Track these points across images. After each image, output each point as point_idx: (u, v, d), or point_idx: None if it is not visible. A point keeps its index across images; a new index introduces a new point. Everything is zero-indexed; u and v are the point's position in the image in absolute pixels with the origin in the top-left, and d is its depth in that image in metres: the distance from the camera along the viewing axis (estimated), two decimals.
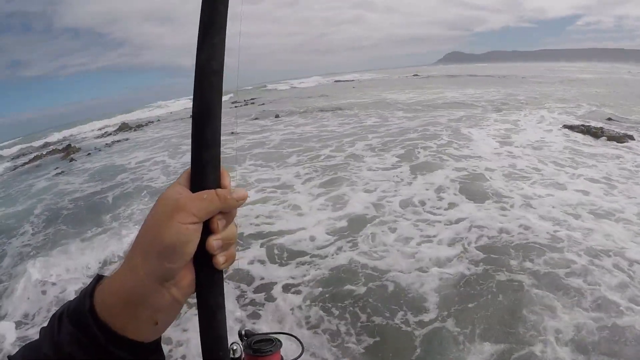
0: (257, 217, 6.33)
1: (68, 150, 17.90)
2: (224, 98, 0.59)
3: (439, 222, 5.70)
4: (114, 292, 0.54)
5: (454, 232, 5.34)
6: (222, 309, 0.60)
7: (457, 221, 5.62)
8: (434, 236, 5.30)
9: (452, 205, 6.22)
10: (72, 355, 0.52)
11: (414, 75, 56.61)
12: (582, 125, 11.17)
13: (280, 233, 5.76)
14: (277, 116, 18.76)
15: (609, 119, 12.50)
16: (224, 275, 0.59)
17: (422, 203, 6.37)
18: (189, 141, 0.57)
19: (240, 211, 0.59)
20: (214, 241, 0.55)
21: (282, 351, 0.86)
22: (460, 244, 5.04)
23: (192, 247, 0.53)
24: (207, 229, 0.55)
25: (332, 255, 5.09)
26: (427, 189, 6.91)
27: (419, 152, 9.31)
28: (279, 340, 0.86)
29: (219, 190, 0.56)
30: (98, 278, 0.57)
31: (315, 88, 44.84)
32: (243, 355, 0.78)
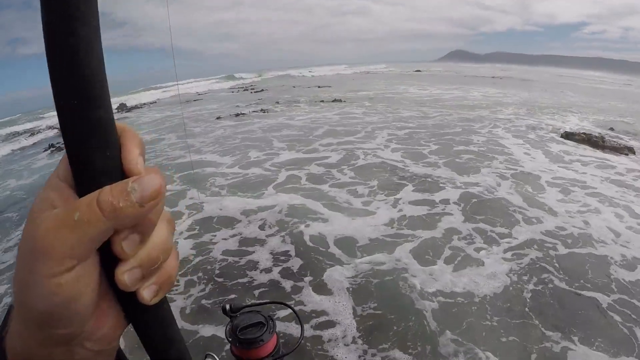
0: None
1: None
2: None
3: None
4: (16, 351, 0.36)
5: None
6: (176, 342, 0.43)
7: None
8: None
9: None
10: None
11: (416, 70, 56.67)
12: None
13: None
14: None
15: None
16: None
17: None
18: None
19: None
20: (124, 274, 0.34)
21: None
22: None
23: (81, 303, 0.33)
24: (111, 255, 0.34)
25: None
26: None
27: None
28: (271, 319, 0.73)
29: (102, 194, 0.31)
30: (9, 312, 0.39)
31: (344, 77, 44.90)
32: None
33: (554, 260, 4.70)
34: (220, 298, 4.13)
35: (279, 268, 4.67)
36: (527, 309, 3.87)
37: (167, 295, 0.39)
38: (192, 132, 13.48)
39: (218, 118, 15.58)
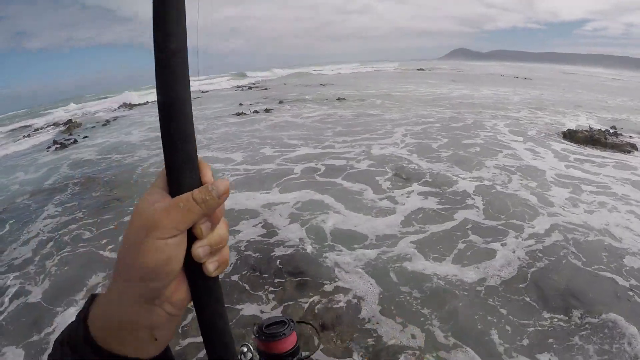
0: None
1: (69, 125, 17.82)
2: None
3: None
4: (107, 316, 0.51)
5: None
6: (223, 316, 0.57)
7: None
8: None
9: None
10: None
11: (419, 69, 56.57)
12: None
13: None
14: None
15: None
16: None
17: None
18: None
19: None
20: (199, 249, 0.51)
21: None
22: None
23: (176, 263, 0.50)
24: (192, 235, 0.51)
25: None
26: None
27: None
28: (292, 321, 0.84)
29: (195, 192, 0.50)
30: (92, 298, 0.55)
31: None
32: (255, 356, 0.76)
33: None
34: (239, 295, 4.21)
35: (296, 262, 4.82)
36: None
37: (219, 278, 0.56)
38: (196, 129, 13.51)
39: (238, 114, 15.57)
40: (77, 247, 5.58)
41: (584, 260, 4.67)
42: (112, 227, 6.09)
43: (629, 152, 9.18)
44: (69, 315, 4.16)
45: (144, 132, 14.36)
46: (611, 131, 11.23)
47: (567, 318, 3.75)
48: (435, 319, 3.77)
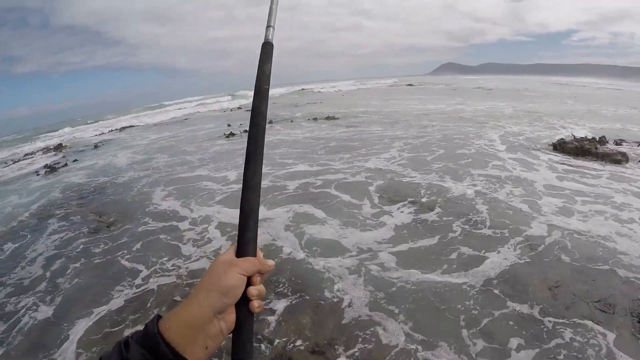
0: None
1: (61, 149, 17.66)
2: None
3: None
4: (180, 319, 0.71)
5: None
6: (252, 344, 0.79)
7: None
8: None
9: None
10: None
11: (408, 84, 57.31)
12: None
13: None
14: None
15: None
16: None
17: None
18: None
19: None
20: (254, 289, 0.79)
21: None
22: None
23: (240, 291, 0.77)
24: (248, 283, 0.79)
25: None
26: None
27: None
28: None
29: (259, 257, 0.83)
30: (158, 316, 0.73)
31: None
32: None
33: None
34: None
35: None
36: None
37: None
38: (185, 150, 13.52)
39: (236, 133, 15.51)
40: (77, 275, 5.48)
41: (573, 263, 4.73)
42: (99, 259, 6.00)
43: (619, 161, 9.18)
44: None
45: (131, 154, 14.57)
46: (604, 140, 11.27)
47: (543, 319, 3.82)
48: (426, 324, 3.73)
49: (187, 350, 0.69)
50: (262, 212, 6.85)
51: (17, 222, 8.05)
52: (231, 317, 0.76)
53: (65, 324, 4.42)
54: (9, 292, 5.26)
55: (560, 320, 3.82)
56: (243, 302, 0.78)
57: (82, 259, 5.93)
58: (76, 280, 5.38)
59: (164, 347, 0.67)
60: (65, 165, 13.86)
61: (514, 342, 3.57)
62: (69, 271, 5.63)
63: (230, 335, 0.79)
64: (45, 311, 4.75)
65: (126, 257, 5.85)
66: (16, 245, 6.82)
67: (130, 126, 26.78)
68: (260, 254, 0.84)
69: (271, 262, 0.85)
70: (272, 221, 6.60)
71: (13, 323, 4.57)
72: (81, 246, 6.38)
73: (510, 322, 3.84)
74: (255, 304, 0.79)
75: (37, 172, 13.44)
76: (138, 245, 6.20)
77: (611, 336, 3.57)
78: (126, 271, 5.44)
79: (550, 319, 3.85)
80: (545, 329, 3.72)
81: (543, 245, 5.30)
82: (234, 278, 0.76)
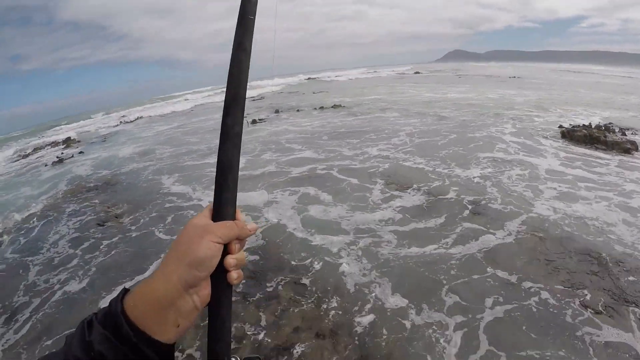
0: None
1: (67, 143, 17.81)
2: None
3: None
4: (146, 296, 0.63)
5: None
6: (230, 319, 0.71)
7: None
8: None
9: None
10: (102, 353, 0.58)
11: (415, 72, 56.95)
12: None
13: None
14: None
15: None
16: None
17: None
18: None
19: None
20: (231, 259, 0.70)
21: None
22: None
23: (215, 261, 0.68)
24: (225, 251, 0.70)
25: None
26: None
27: None
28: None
29: (237, 221, 0.73)
30: (125, 290, 0.66)
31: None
32: None
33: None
34: None
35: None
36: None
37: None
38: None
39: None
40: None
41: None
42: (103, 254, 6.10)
43: (628, 150, 9.06)
44: None
45: (137, 147, 14.76)
46: (610, 128, 11.15)
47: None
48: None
49: (155, 329, 0.62)
50: (269, 196, 7.26)
51: (49, 204, 8.53)
52: (206, 290, 0.67)
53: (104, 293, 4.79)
54: (56, 269, 5.55)
55: (537, 285, 4.20)
56: (219, 274, 0.69)
57: (119, 235, 6.40)
58: (114, 252, 5.84)
59: (127, 329, 0.60)
60: (73, 156, 14.02)
61: (489, 301, 4.03)
62: (104, 246, 6.10)
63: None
64: (85, 283, 5.10)
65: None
66: (60, 221, 7.32)
67: (143, 116, 26.88)
68: (240, 215, 0.74)
69: (252, 226, 0.74)
70: (279, 203, 6.89)
71: (55, 294, 4.93)
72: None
73: (490, 285, 4.29)
74: (234, 275, 0.70)
75: (45, 165, 13.61)
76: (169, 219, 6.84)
77: (583, 300, 3.93)
78: (164, 243, 5.97)
79: (529, 283, 4.27)
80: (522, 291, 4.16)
81: (539, 227, 5.49)
82: (207, 247, 0.66)
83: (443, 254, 4.95)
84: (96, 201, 8.31)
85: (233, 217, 0.73)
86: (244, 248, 0.75)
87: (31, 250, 6.31)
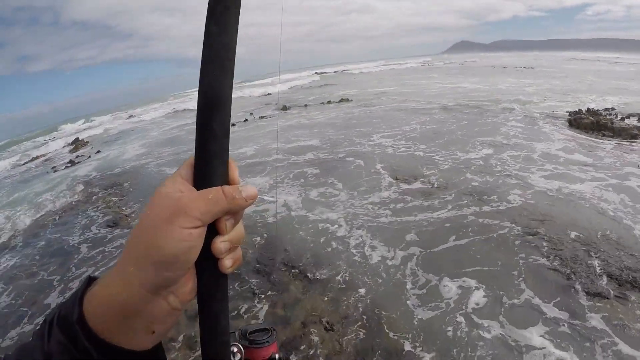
0: None
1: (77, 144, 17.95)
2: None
3: None
4: (105, 302, 0.47)
5: None
6: (226, 314, 0.54)
7: None
8: None
9: None
10: None
11: (422, 64, 56.83)
12: None
13: None
14: None
15: None
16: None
17: None
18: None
19: None
20: (221, 243, 0.50)
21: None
22: None
23: (194, 254, 0.48)
24: (213, 230, 0.49)
25: None
26: None
27: None
28: (274, 330, 0.84)
29: (225, 188, 0.49)
30: (89, 281, 0.51)
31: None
32: (243, 358, 0.74)
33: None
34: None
35: None
36: None
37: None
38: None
39: None
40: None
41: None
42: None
43: (635, 136, 9.03)
44: None
45: (146, 144, 14.88)
46: (618, 116, 11.12)
47: None
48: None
49: (121, 339, 0.48)
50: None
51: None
52: (187, 285, 0.50)
53: None
54: None
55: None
56: (207, 261, 0.50)
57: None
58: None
59: (85, 344, 0.46)
60: (84, 157, 14.11)
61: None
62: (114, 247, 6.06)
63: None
64: None
65: None
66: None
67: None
68: (235, 173, 0.53)
69: (249, 191, 0.51)
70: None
71: None
72: None
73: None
74: (227, 263, 0.51)
75: (53, 168, 13.68)
76: None
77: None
78: None
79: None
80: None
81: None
82: (178, 240, 0.46)
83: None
84: (111, 200, 8.40)
85: (223, 179, 0.51)
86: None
87: (43, 253, 6.34)
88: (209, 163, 0.49)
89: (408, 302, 4.05)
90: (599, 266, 4.24)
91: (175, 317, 0.51)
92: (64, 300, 0.51)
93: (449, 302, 3.97)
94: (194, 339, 3.67)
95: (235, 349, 0.71)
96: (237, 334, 0.81)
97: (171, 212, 0.46)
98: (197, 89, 0.49)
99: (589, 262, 4.31)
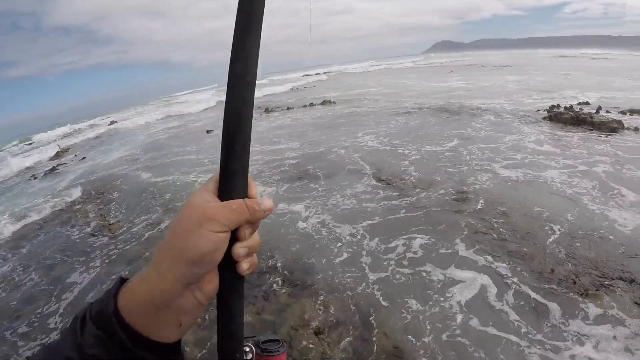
0: None
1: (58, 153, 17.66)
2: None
3: None
4: (140, 295, 0.55)
5: None
6: (242, 314, 0.63)
7: None
8: None
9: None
10: (96, 357, 0.53)
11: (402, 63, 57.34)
12: None
13: None
14: None
15: None
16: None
17: None
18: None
19: None
20: (240, 249, 0.58)
21: None
22: None
23: (220, 255, 0.56)
24: (233, 237, 0.58)
25: None
26: None
27: None
28: (285, 342, 0.88)
29: (247, 200, 0.58)
30: (121, 281, 0.60)
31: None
32: (254, 358, 0.79)
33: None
34: None
35: None
36: None
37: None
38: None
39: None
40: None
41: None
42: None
43: (615, 129, 9.21)
44: None
45: (129, 150, 14.65)
46: (596, 110, 11.29)
47: None
48: None
49: (153, 331, 0.56)
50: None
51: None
52: (212, 283, 0.58)
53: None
54: None
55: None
56: (228, 263, 0.58)
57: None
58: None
59: (121, 334, 0.54)
60: (64, 164, 13.83)
61: None
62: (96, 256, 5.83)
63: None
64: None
65: None
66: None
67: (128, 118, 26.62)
68: (254, 190, 0.61)
69: (266, 204, 0.60)
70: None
71: None
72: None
73: None
74: (244, 266, 0.59)
75: (32, 177, 13.42)
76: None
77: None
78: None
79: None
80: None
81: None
82: (207, 241, 0.54)
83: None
84: (88, 209, 8.26)
85: (244, 193, 0.59)
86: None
87: (25, 264, 6.24)
88: (232, 179, 0.58)
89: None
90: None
91: (199, 311, 0.59)
92: (95, 300, 0.59)
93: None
94: (201, 341, 3.63)
95: (248, 349, 0.76)
96: (250, 343, 0.84)
97: (202, 218, 0.54)
98: (222, 118, 0.58)
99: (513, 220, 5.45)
